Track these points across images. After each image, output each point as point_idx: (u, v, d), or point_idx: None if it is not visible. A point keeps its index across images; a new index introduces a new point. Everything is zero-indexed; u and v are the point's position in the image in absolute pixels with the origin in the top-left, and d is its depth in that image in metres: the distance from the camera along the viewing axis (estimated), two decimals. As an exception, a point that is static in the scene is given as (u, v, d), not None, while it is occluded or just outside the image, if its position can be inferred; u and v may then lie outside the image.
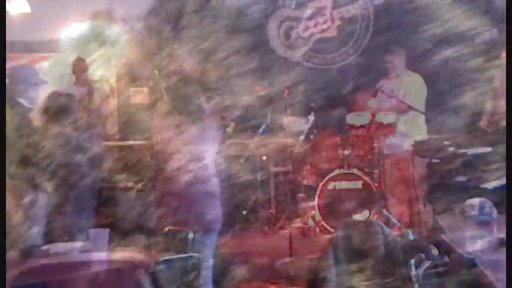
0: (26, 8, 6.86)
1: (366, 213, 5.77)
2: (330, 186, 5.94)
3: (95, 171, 4.17)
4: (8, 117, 3.77)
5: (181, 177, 3.67)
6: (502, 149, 3.91)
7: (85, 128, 4.44)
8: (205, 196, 3.73)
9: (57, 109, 4.21)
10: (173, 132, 3.72)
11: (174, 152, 3.69)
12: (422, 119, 6.05)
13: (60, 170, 3.93)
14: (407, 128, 6.02)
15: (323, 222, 5.86)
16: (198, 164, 3.69)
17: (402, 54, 6.25)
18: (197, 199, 3.70)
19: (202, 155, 3.74)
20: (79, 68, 6.60)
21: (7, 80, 4.24)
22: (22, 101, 4.41)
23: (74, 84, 6.49)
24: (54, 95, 4.37)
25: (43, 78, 4.68)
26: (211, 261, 3.71)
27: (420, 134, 5.92)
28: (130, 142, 6.23)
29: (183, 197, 3.68)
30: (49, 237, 3.67)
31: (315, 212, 5.92)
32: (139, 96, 7.28)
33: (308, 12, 7.51)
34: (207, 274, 3.55)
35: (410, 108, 5.93)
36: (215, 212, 3.80)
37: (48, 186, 3.90)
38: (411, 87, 6.09)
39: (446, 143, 5.09)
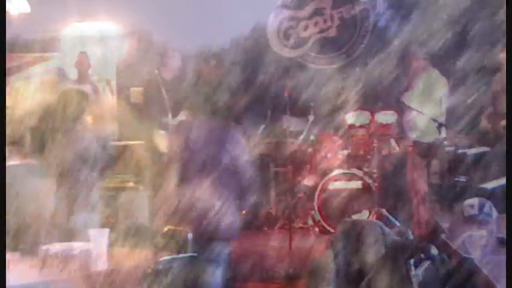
0: (26, 8, 6.85)
1: (366, 213, 5.78)
2: (330, 186, 5.94)
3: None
4: None
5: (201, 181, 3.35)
6: (501, 149, 3.91)
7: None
8: (223, 201, 3.41)
9: (70, 107, 4.17)
10: (196, 135, 3.44)
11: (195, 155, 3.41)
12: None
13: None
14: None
15: (323, 222, 5.87)
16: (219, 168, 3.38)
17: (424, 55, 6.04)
18: (215, 205, 3.39)
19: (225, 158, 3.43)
20: (82, 63, 6.58)
21: None
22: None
23: (77, 82, 6.48)
24: (66, 93, 4.34)
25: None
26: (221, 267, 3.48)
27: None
28: (130, 142, 6.22)
29: (201, 203, 3.38)
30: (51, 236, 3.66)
31: (315, 212, 5.93)
32: (139, 96, 7.27)
33: (308, 12, 7.52)
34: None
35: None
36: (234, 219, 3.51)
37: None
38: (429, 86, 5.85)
39: (446, 143, 5.10)
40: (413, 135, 5.73)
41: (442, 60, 6.16)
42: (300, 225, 6.11)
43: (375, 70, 6.73)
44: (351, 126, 6.22)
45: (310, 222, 6.05)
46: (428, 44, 6.06)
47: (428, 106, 5.62)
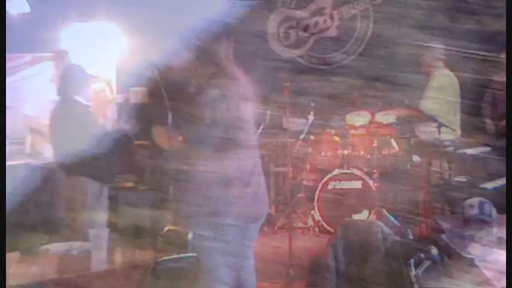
0: (26, 8, 6.86)
1: (366, 213, 5.78)
2: (330, 186, 5.94)
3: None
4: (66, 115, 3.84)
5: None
6: (502, 149, 3.91)
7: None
8: None
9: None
10: None
11: None
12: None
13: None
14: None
15: (323, 222, 5.87)
16: None
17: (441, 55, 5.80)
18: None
19: None
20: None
21: (60, 81, 4.35)
22: (79, 98, 4.49)
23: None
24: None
25: (92, 74, 4.76)
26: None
27: None
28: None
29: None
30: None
31: (315, 212, 5.93)
32: (139, 96, 7.26)
33: (308, 12, 7.51)
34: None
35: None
36: None
37: None
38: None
39: (446, 143, 5.09)
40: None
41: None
42: (300, 225, 6.10)
43: (376, 70, 6.73)
44: (351, 126, 6.22)
45: (310, 222, 6.04)
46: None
47: (445, 109, 5.52)
